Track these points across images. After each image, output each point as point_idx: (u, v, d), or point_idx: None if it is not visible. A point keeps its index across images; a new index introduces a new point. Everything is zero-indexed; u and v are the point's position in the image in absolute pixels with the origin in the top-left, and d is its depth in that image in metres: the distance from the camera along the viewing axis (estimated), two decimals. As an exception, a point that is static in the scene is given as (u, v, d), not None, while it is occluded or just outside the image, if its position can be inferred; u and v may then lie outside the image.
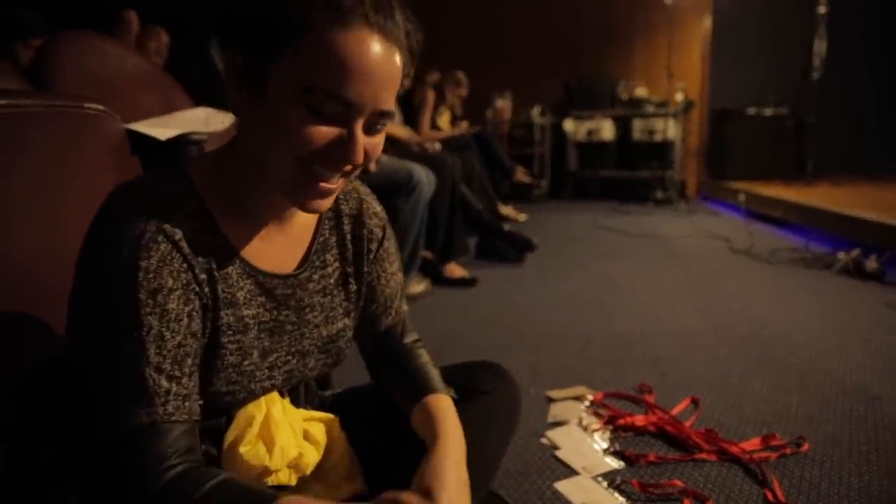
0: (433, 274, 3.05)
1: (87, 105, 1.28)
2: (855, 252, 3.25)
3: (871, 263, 3.14)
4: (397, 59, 0.69)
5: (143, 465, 0.66)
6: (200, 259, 0.72)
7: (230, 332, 0.77)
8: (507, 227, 3.81)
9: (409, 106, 4.58)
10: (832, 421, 1.65)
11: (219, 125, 0.86)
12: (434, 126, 4.78)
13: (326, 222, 0.88)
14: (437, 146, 3.50)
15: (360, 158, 0.70)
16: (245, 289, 0.78)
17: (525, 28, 6.97)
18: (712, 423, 1.62)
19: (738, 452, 1.46)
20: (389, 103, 0.70)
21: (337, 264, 0.89)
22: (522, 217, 5.10)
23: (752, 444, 1.51)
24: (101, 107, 1.30)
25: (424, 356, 0.99)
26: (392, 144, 3.01)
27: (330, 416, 0.97)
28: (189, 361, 0.71)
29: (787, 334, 2.33)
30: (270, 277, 0.81)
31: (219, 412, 0.80)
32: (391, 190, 2.49)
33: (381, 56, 0.66)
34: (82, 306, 0.71)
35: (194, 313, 0.72)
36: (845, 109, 6.25)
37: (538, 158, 6.80)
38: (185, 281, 0.70)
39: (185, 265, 0.70)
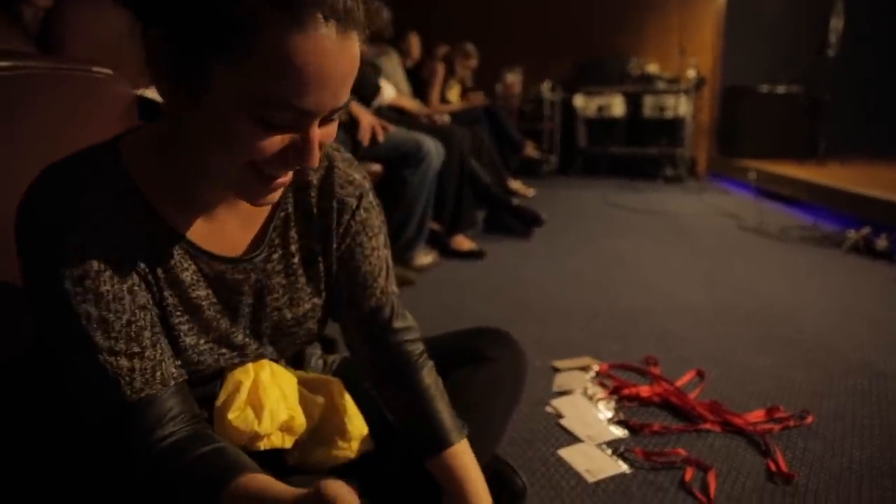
0: (441, 246, 3.06)
1: (94, 69, 1.27)
2: (865, 230, 3.23)
3: (882, 242, 3.12)
4: (356, 45, 0.60)
5: (132, 442, 0.65)
6: (131, 238, 0.68)
7: (178, 313, 0.73)
8: (515, 201, 3.79)
9: (419, 79, 4.55)
10: (836, 396, 1.65)
11: None
12: (444, 99, 4.75)
13: (290, 195, 0.80)
14: (447, 118, 3.48)
15: (316, 161, 0.62)
16: (190, 270, 0.73)
17: (536, 2, 6.87)
18: (717, 396, 1.62)
19: (742, 424, 1.47)
20: (346, 96, 0.62)
21: (303, 241, 0.81)
22: (531, 192, 5.08)
23: (756, 415, 1.52)
24: (108, 70, 1.29)
25: (429, 374, 0.91)
26: (401, 116, 3.00)
27: (329, 377, 0.96)
28: (147, 333, 0.68)
29: (794, 311, 2.33)
30: (219, 261, 0.75)
31: (197, 384, 0.78)
32: (400, 160, 2.48)
33: (340, 54, 0.58)
34: (28, 299, 0.67)
35: (136, 287, 0.68)
36: (860, 88, 6.15)
37: (547, 134, 6.76)
38: (114, 260, 0.66)
39: (110, 245, 0.66)
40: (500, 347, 1.13)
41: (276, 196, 0.67)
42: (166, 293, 0.72)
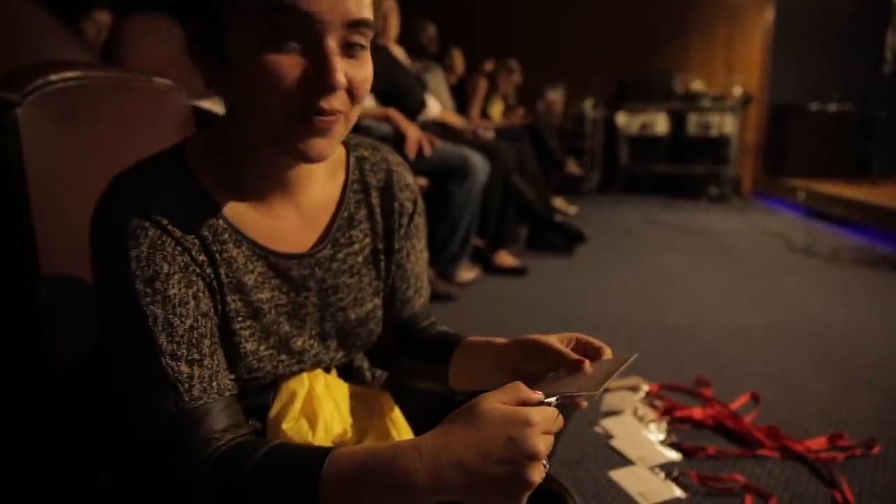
0: (483, 261, 3.04)
1: (155, 79, 1.30)
2: (924, 253, 3.11)
3: (942, 265, 2.99)
4: None
5: (185, 453, 0.64)
6: (196, 241, 0.68)
7: (241, 318, 0.73)
8: (558, 218, 3.76)
9: (462, 94, 4.56)
10: (902, 423, 1.57)
11: None
12: (485, 115, 4.75)
13: (352, 195, 0.80)
14: (491, 134, 3.48)
15: (340, 78, 0.60)
16: (255, 272, 0.73)
17: (579, 20, 6.86)
18: (774, 420, 1.56)
19: (804, 451, 1.41)
20: (359, 10, 0.60)
21: (367, 241, 0.82)
22: (573, 209, 5.04)
23: (818, 443, 1.45)
24: (168, 82, 1.32)
25: (439, 327, 0.93)
26: (446, 131, 3.00)
27: (379, 391, 0.94)
28: (207, 342, 0.68)
29: (851, 334, 2.24)
30: (284, 258, 0.75)
31: (251, 394, 0.77)
32: (446, 175, 2.47)
33: None
34: (97, 302, 0.69)
35: (200, 294, 0.68)
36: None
37: (589, 152, 6.70)
38: (181, 263, 0.66)
39: (178, 248, 0.66)
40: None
41: (325, 147, 0.64)
42: (229, 298, 0.71)
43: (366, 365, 1.11)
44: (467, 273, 2.79)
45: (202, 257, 0.68)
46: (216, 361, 0.68)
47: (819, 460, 1.38)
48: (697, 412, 1.57)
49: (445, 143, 2.58)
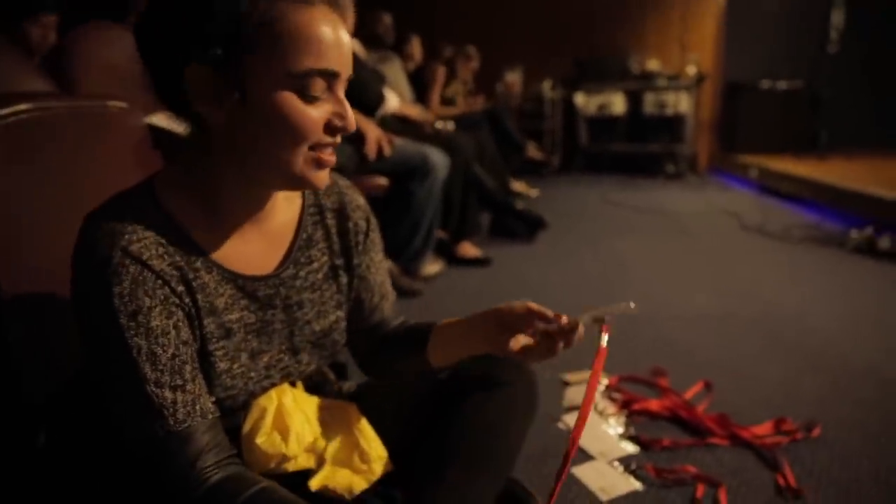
0: (447, 253, 3.08)
1: (109, 104, 1.29)
2: (868, 230, 3.25)
3: (885, 242, 3.14)
4: (345, 27, 0.73)
5: (175, 474, 0.69)
6: (174, 272, 0.73)
7: (214, 339, 0.78)
8: (519, 203, 3.81)
9: (421, 82, 4.56)
10: (844, 405, 1.67)
11: None
12: (445, 101, 4.76)
13: (308, 218, 0.88)
14: (451, 126, 3.50)
15: (353, 122, 0.74)
16: (225, 294, 0.79)
17: (536, 1, 6.87)
18: (725, 407, 1.65)
19: (750, 437, 1.49)
20: (351, 72, 0.74)
21: (325, 258, 0.90)
22: (534, 192, 5.10)
23: (764, 428, 1.54)
24: (122, 104, 1.31)
25: (409, 322, 1.02)
26: (405, 125, 3.01)
27: (345, 403, 0.99)
28: (188, 367, 0.72)
29: (799, 316, 2.35)
30: (250, 280, 0.81)
31: (226, 414, 0.82)
32: (406, 174, 2.49)
33: (339, 24, 0.71)
34: (82, 335, 0.73)
35: (180, 323, 0.73)
36: (861, 83, 6.15)
37: (548, 133, 6.77)
38: (162, 296, 0.71)
39: (158, 281, 0.71)
40: (511, 371, 1.14)
41: (327, 177, 0.76)
42: (205, 321, 0.77)
43: (332, 378, 1.15)
44: (431, 267, 2.83)
45: (180, 287, 0.73)
46: (198, 385, 0.73)
47: (765, 445, 1.47)
48: (654, 404, 1.65)
49: (405, 140, 2.60)
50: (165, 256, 0.72)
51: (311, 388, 1.04)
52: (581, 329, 0.85)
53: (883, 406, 1.66)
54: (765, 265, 3.10)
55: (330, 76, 0.71)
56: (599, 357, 0.84)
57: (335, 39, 0.70)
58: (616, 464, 1.42)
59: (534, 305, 0.85)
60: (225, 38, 0.67)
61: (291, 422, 0.86)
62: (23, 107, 1.08)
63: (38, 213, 1.03)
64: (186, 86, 0.69)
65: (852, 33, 5.29)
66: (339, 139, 0.75)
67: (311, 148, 0.72)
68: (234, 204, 0.78)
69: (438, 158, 2.58)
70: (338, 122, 0.73)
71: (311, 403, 0.93)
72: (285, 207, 0.86)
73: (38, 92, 1.47)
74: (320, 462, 0.91)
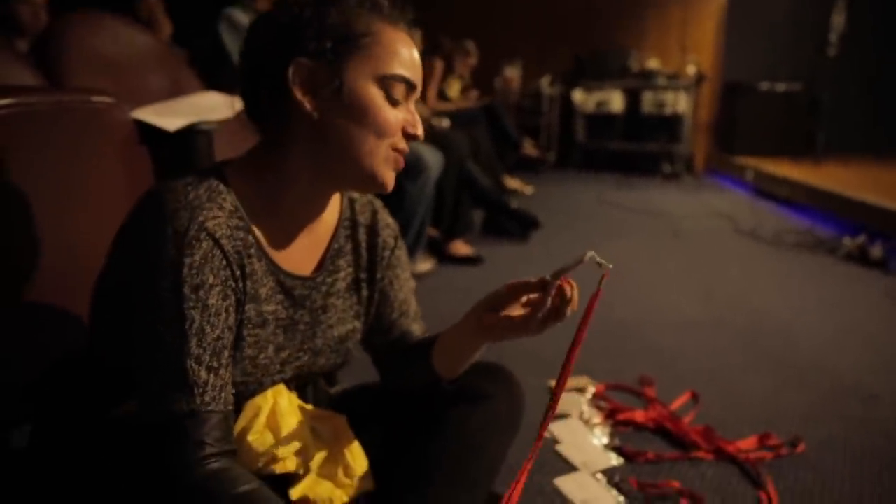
0: (438, 252, 3.06)
1: (94, 98, 1.27)
2: (860, 238, 3.25)
3: (877, 251, 3.14)
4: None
5: (182, 451, 0.71)
6: (236, 255, 0.77)
7: (250, 326, 0.81)
8: (513, 201, 3.80)
9: (418, 76, 4.52)
10: (828, 421, 1.67)
11: (226, 112, 0.90)
12: (443, 96, 4.73)
13: (342, 230, 0.94)
14: (445, 123, 3.47)
15: (422, 129, 0.83)
16: (267, 285, 0.83)
17: (537, -6, 6.83)
18: (711, 420, 1.64)
19: (735, 452, 1.49)
20: None
21: (350, 269, 0.95)
22: (529, 190, 5.08)
23: (749, 443, 1.54)
24: (109, 99, 1.29)
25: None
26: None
27: (337, 414, 1.00)
28: (226, 353, 0.75)
29: (788, 327, 2.35)
30: (291, 278, 0.86)
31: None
32: (399, 172, 2.47)
33: (414, 44, 0.82)
34: (119, 297, 0.76)
35: (230, 308, 0.76)
36: (860, 87, 6.14)
37: (546, 129, 6.74)
38: (223, 277, 0.75)
39: (224, 262, 0.75)
40: (497, 383, 1.13)
41: (393, 180, 0.84)
42: (247, 306, 0.80)
43: (322, 381, 1.15)
44: (422, 265, 2.81)
45: (238, 272, 0.78)
46: (228, 374, 0.76)
47: (748, 461, 1.46)
48: (639, 415, 1.64)
49: (399, 137, 2.57)
50: (232, 238, 0.77)
51: (301, 389, 1.04)
52: (572, 290, 0.89)
53: (867, 425, 1.66)
54: (756, 271, 3.10)
55: (409, 86, 0.81)
56: (592, 304, 0.85)
57: (413, 58, 0.81)
58: (599, 476, 1.41)
59: (513, 281, 0.89)
60: (335, 37, 0.77)
61: (284, 423, 0.88)
62: (5, 101, 1.06)
63: (23, 208, 1.01)
64: (290, 76, 0.77)
65: (853, 37, 5.27)
66: (408, 147, 0.83)
67: (388, 150, 0.80)
68: (296, 201, 0.84)
69: (432, 157, 2.56)
70: (410, 129, 0.82)
71: (304, 409, 0.94)
72: (328, 217, 0.91)
73: (22, 86, 1.45)
74: (305, 470, 0.91)
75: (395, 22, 0.81)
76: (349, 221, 0.95)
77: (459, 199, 3.03)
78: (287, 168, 0.82)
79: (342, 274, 0.94)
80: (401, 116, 0.81)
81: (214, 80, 2.03)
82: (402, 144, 0.82)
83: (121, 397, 0.84)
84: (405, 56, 0.80)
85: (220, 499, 0.70)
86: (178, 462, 0.71)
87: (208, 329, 0.73)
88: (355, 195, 0.97)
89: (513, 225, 3.61)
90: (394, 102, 0.80)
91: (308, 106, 0.78)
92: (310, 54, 0.77)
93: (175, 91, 1.91)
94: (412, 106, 0.83)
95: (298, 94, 0.78)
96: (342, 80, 0.78)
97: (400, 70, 0.79)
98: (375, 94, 0.78)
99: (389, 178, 0.83)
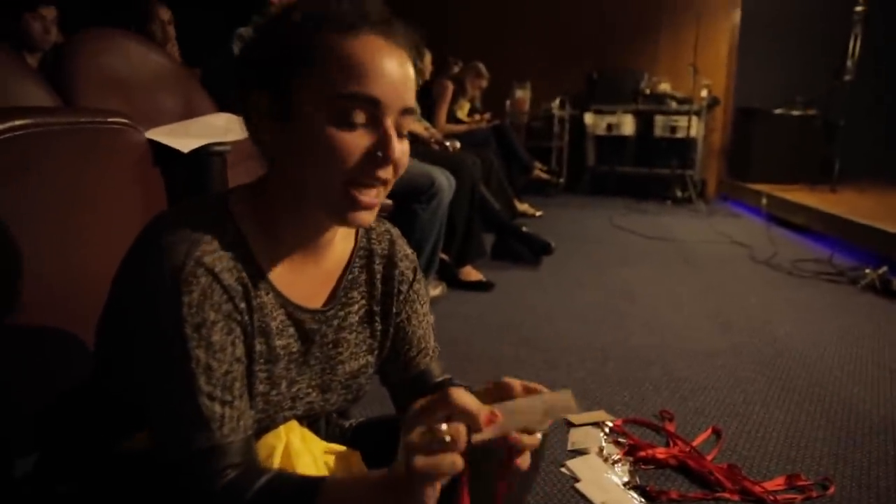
0: (449, 277, 3.02)
1: (109, 119, 1.25)
2: (882, 269, 3.18)
3: (898, 282, 3.08)
4: (407, 61, 0.72)
5: (204, 481, 0.69)
6: (239, 287, 0.73)
7: (261, 361, 0.78)
8: (524, 225, 3.75)
9: (429, 97, 4.52)
10: (858, 460, 1.60)
11: (239, 134, 0.85)
12: (453, 118, 4.71)
13: (357, 260, 0.89)
14: (458, 145, 3.45)
15: (396, 153, 0.70)
16: (278, 319, 0.79)
17: (547, 18, 6.85)
18: (734, 457, 1.58)
19: (762, 493, 1.43)
20: (412, 99, 0.72)
21: (364, 302, 0.89)
22: (539, 213, 5.04)
23: (776, 483, 1.47)
24: (123, 119, 1.26)
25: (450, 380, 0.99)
26: (412, 143, 2.96)
27: (350, 450, 0.96)
28: (238, 384, 0.72)
29: (810, 359, 2.28)
30: (300, 310, 0.81)
31: None
32: (411, 195, 2.44)
33: (392, 55, 0.70)
34: (123, 329, 0.74)
35: (237, 340, 0.73)
36: (877, 114, 6.09)
37: (556, 151, 6.72)
38: (226, 312, 0.71)
39: (224, 296, 0.71)
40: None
41: (368, 218, 0.74)
42: (256, 341, 0.77)
43: (334, 415, 1.11)
44: (433, 290, 2.77)
45: (242, 304, 0.74)
46: (244, 403, 0.74)
47: (777, 503, 1.40)
48: (661, 452, 1.58)
49: (412, 160, 2.54)
50: (234, 271, 0.73)
51: (313, 424, 1.01)
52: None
53: (899, 463, 1.59)
54: (775, 301, 3.03)
55: (370, 104, 0.69)
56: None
57: (379, 68, 0.69)
58: (620, 518, 1.35)
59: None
60: (275, 64, 0.70)
61: (298, 462, 0.84)
62: (20, 122, 1.04)
63: (35, 230, 0.99)
64: (249, 110, 0.73)
65: (868, 62, 5.24)
66: (384, 176, 0.71)
67: (350, 184, 0.70)
68: (290, 231, 0.78)
69: (444, 180, 2.53)
70: (378, 153, 0.69)
71: (317, 446, 0.90)
72: (342, 247, 0.86)
73: (36, 108, 1.43)
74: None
75: (355, 30, 0.69)
76: (365, 251, 0.90)
77: (471, 224, 2.99)
78: (272, 200, 0.77)
79: (355, 307, 0.89)
80: (361, 142, 0.69)
81: (227, 100, 2.01)
82: (369, 175, 0.70)
83: (128, 428, 0.81)
84: (362, 67, 0.68)
85: (243, 497, 0.68)
86: (200, 491, 0.69)
87: (215, 365, 0.70)
88: (372, 223, 0.89)
89: (524, 250, 3.56)
90: (350, 127, 0.68)
91: (264, 142, 0.74)
92: (263, 84, 0.72)
93: (188, 111, 1.89)
94: (387, 124, 0.70)
95: (253, 129, 0.74)
96: (290, 112, 0.70)
97: (351, 87, 0.68)
98: (323, 122, 0.68)
99: (357, 217, 0.72)
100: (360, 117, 0.69)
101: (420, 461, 0.54)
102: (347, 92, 0.68)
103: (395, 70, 0.70)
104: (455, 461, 0.54)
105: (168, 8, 3.04)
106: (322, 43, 0.69)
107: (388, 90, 0.69)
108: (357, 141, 0.69)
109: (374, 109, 0.69)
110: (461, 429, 0.54)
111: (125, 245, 0.78)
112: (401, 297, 0.93)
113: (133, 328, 0.72)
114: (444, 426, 0.54)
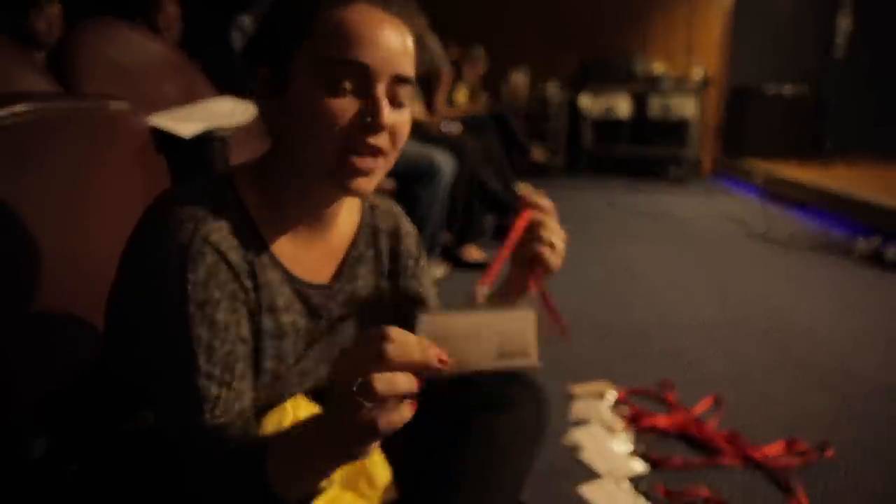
0: (451, 257, 3.04)
1: (111, 105, 1.26)
2: (875, 240, 3.22)
3: (891, 253, 3.11)
4: (405, 31, 0.72)
5: (198, 457, 0.69)
6: (245, 265, 0.73)
7: (268, 337, 0.78)
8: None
9: (427, 83, 4.51)
10: (856, 423, 1.64)
11: (242, 117, 0.86)
12: (451, 103, 4.71)
13: (363, 237, 0.89)
14: (458, 127, 3.45)
15: (386, 119, 0.69)
16: (284, 295, 0.79)
17: (542, 1, 6.82)
18: (735, 424, 1.62)
19: (763, 458, 1.46)
20: (406, 68, 0.71)
21: (371, 277, 0.90)
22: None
23: (776, 448, 1.51)
24: (125, 105, 1.27)
25: None
26: (413, 127, 2.98)
27: None
28: (240, 365, 0.72)
29: (808, 329, 2.32)
30: (306, 286, 0.81)
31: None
32: (412, 177, 2.46)
33: (385, 23, 0.70)
34: (129, 310, 0.74)
35: (242, 320, 0.73)
36: (867, 89, 6.10)
37: (553, 134, 6.72)
38: (231, 291, 0.71)
39: (230, 275, 0.71)
40: (522, 391, 1.11)
41: (368, 184, 0.73)
42: (263, 318, 0.77)
43: None
44: (435, 270, 2.79)
45: (248, 282, 0.74)
46: (244, 384, 0.73)
47: (777, 467, 1.44)
48: (662, 420, 1.61)
49: (412, 142, 2.56)
50: (240, 249, 0.73)
51: (317, 397, 1.02)
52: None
53: (895, 425, 1.63)
54: (771, 274, 3.06)
55: (359, 69, 0.69)
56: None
57: (370, 35, 0.69)
58: (625, 483, 1.38)
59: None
60: (276, 38, 0.72)
61: None
62: (21, 108, 1.05)
63: (36, 216, 1.00)
64: (256, 88, 0.74)
65: (859, 39, 5.25)
66: (377, 143, 0.70)
67: (345, 151, 0.70)
68: (294, 205, 0.78)
69: (445, 161, 2.55)
70: (368, 119, 0.69)
71: None
72: (347, 221, 0.87)
73: (38, 92, 1.44)
74: (328, 482, 0.89)
75: (353, 2, 0.70)
76: (370, 228, 0.91)
77: (471, 204, 3.01)
78: (277, 173, 0.77)
79: (361, 283, 0.89)
80: (349, 107, 0.69)
81: (226, 87, 2.02)
82: (360, 140, 0.70)
83: (135, 409, 0.82)
84: (352, 34, 0.68)
85: (213, 463, 0.68)
86: (196, 464, 0.70)
87: (217, 344, 0.70)
88: (376, 200, 0.93)
89: (524, 230, 3.58)
90: (339, 92, 0.68)
91: (266, 113, 0.75)
92: (266, 60, 0.74)
93: (189, 99, 1.90)
94: (378, 91, 0.69)
95: (258, 102, 0.75)
96: (287, 83, 0.72)
97: (340, 53, 0.68)
98: (313, 88, 0.69)
99: (355, 184, 0.72)
100: (348, 83, 0.69)
101: (366, 415, 0.53)
102: (336, 58, 0.68)
103: (388, 38, 0.70)
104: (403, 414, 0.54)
105: (177, 2, 3.03)
106: (320, 15, 0.69)
107: (379, 57, 0.69)
108: (346, 106, 0.69)
109: (364, 76, 0.69)
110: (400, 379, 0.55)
111: (127, 230, 0.78)
112: (408, 273, 0.94)
113: (138, 306, 0.72)
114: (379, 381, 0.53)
